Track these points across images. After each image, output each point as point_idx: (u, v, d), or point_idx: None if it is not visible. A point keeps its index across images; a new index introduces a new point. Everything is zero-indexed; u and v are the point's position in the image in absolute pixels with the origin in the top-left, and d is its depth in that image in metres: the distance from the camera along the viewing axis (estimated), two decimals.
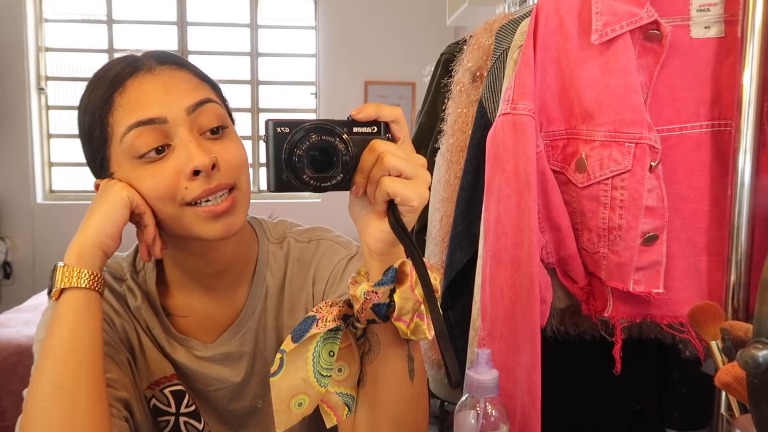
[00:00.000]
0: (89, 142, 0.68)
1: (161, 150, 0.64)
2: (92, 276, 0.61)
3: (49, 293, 0.62)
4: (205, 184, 0.64)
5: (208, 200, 0.64)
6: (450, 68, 1.25)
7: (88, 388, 0.59)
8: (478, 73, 1.11)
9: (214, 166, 0.64)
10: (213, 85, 0.72)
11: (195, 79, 0.69)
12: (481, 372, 0.60)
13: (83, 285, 0.61)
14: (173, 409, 0.75)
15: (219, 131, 0.67)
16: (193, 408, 0.75)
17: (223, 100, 0.73)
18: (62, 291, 0.61)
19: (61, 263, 0.62)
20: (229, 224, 0.66)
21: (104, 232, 0.63)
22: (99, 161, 0.68)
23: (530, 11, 0.91)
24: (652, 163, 0.82)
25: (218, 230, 0.65)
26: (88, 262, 0.62)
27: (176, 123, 0.64)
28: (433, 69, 1.42)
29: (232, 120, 0.74)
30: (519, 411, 0.87)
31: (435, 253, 1.22)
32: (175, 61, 0.69)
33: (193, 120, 0.65)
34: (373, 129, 0.55)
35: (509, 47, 0.94)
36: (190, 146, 0.63)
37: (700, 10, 0.84)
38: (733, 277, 0.81)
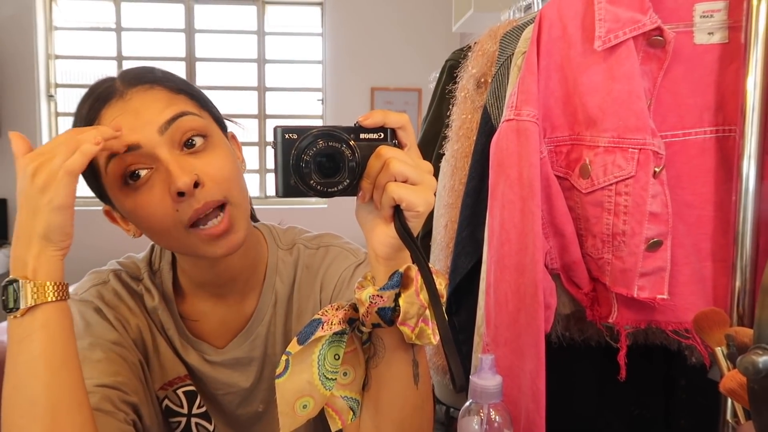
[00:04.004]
0: (84, 176, 0.66)
1: (146, 173, 0.63)
2: (56, 286, 0.58)
3: (6, 308, 0.57)
4: (194, 203, 0.63)
5: (206, 224, 0.64)
6: (455, 75, 1.25)
7: (65, 401, 0.58)
8: (482, 80, 1.12)
9: (197, 184, 0.62)
10: (193, 96, 0.69)
11: (169, 95, 0.66)
12: (485, 378, 0.60)
13: (50, 299, 0.57)
14: (185, 410, 0.75)
15: (195, 142, 0.65)
16: (204, 409, 0.76)
17: (208, 108, 0.71)
18: (29, 308, 0.57)
19: (15, 278, 0.57)
20: (231, 241, 0.66)
21: (61, 244, 0.58)
22: (98, 192, 0.68)
23: (534, 18, 0.91)
24: (656, 169, 0.82)
25: (222, 249, 0.65)
26: (50, 274, 0.58)
27: (152, 146, 0.63)
28: (438, 75, 1.43)
29: (224, 127, 0.73)
30: (523, 417, 0.87)
31: (440, 259, 1.22)
32: (147, 80, 0.67)
33: (169, 138, 0.64)
34: (380, 135, 0.55)
35: (513, 54, 0.94)
36: (169, 167, 0.62)
37: (704, 17, 0.84)
38: (738, 283, 0.80)
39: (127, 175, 0.63)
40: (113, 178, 0.64)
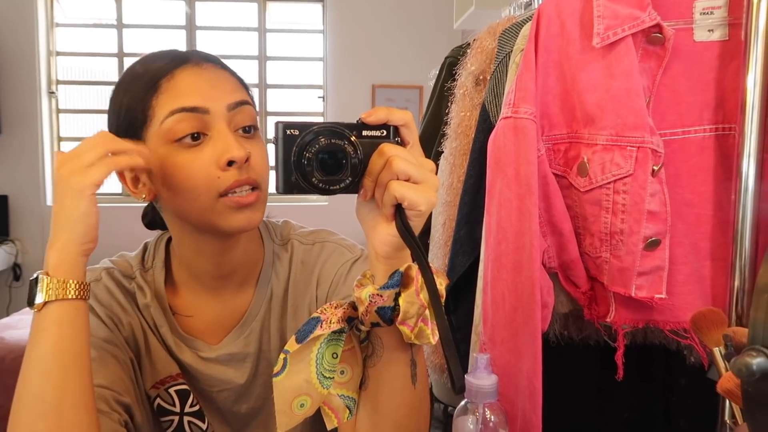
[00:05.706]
0: (125, 123, 0.68)
1: (197, 137, 0.66)
2: (78, 285, 0.59)
3: (30, 304, 0.59)
4: (237, 175, 0.65)
5: (235, 191, 0.66)
6: (454, 72, 1.25)
7: (73, 401, 0.58)
8: (481, 77, 1.11)
9: (247, 160, 0.66)
10: (248, 90, 0.74)
11: (235, 81, 0.72)
12: (480, 377, 0.60)
13: (70, 296, 0.59)
14: (177, 409, 0.75)
15: (251, 130, 0.70)
16: (197, 408, 0.76)
17: (254, 105, 0.75)
18: (46, 303, 0.59)
19: (40, 273, 0.59)
20: (250, 217, 0.67)
21: (84, 238, 0.60)
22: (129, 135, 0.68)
23: (533, 15, 0.90)
24: (655, 167, 0.81)
25: (240, 221, 0.67)
26: (71, 271, 0.59)
27: (216, 116, 0.66)
28: (437, 72, 1.42)
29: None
30: (520, 417, 0.86)
31: (438, 257, 1.22)
32: (218, 62, 0.72)
33: (231, 117, 0.68)
34: (383, 133, 0.55)
35: (511, 51, 0.94)
36: (228, 138, 0.66)
37: (704, 14, 0.84)
38: (736, 283, 0.80)
39: (184, 134, 0.65)
40: (165, 130, 0.65)
